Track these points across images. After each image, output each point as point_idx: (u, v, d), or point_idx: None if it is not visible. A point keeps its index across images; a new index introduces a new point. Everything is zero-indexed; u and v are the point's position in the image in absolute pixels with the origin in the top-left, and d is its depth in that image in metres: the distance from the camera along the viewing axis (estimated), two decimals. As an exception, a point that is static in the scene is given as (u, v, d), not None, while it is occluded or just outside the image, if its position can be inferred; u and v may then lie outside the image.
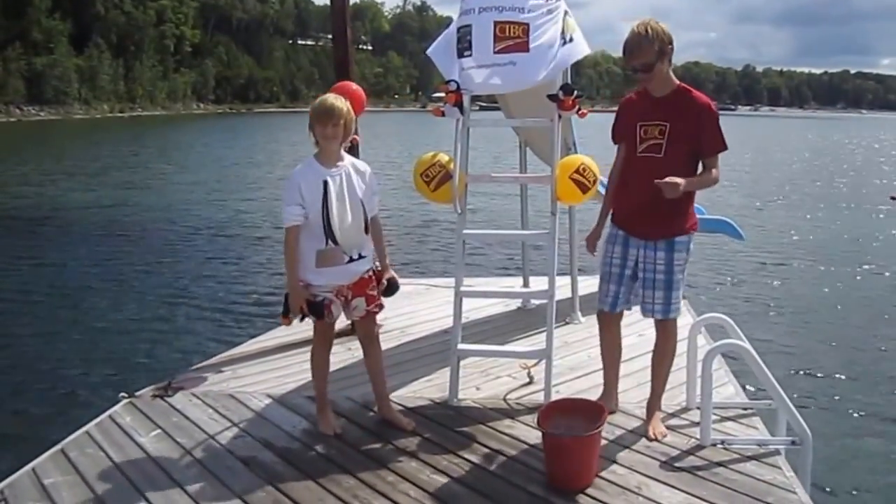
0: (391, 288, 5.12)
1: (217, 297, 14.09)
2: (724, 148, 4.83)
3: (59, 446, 4.98)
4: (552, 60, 5.54)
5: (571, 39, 5.62)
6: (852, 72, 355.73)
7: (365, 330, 5.18)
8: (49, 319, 12.47)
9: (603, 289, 5.16)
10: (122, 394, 5.80)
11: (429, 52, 6.05)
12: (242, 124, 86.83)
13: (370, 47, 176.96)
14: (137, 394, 5.81)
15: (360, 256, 4.92)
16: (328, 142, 4.76)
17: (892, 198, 29.97)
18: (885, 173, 43.97)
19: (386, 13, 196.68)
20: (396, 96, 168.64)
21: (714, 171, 4.82)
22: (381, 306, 5.12)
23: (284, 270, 4.91)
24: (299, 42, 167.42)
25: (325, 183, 4.73)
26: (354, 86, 6.29)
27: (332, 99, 4.78)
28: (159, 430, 5.20)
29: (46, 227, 21.25)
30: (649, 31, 4.71)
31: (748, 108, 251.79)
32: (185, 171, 36.55)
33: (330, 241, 4.76)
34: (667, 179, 4.59)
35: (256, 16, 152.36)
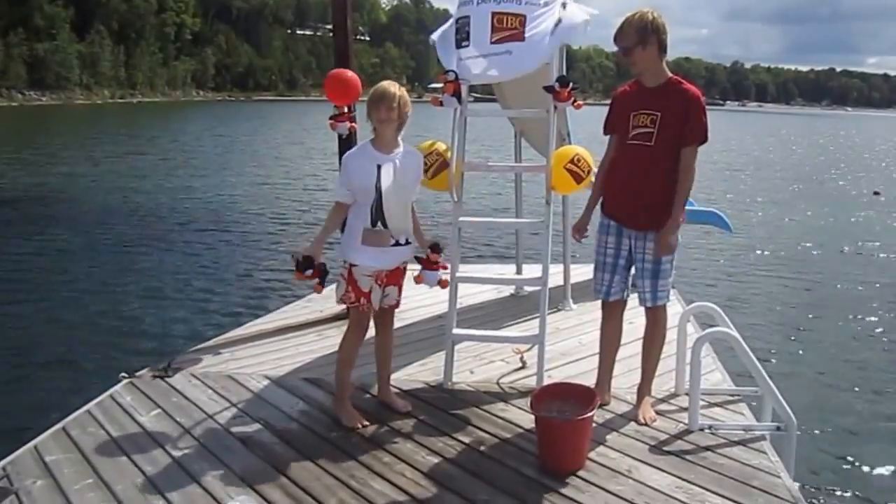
0: (437, 247, 5.20)
1: (216, 280, 14.18)
2: (705, 139, 4.88)
3: (60, 424, 5.05)
4: (548, 48, 5.61)
5: (560, 21, 5.68)
6: (838, 70, 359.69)
7: (385, 316, 5.24)
8: (51, 300, 12.51)
9: (597, 278, 5.24)
10: (123, 374, 5.87)
11: (433, 37, 6.11)
12: (241, 111, 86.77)
13: (367, 38, 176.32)
14: (138, 374, 5.89)
15: (407, 242, 5.03)
16: (384, 126, 4.85)
17: (876, 192, 30.28)
18: (869, 169, 44.16)
19: (383, 4, 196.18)
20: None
21: (690, 168, 4.89)
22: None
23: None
24: (298, 32, 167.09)
25: (379, 168, 4.82)
26: (349, 73, 6.34)
27: (386, 84, 4.89)
28: (159, 410, 5.27)
29: (47, 210, 21.26)
30: (635, 17, 4.81)
31: (736, 103, 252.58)
32: (186, 157, 36.49)
33: (379, 224, 4.85)
34: (661, 247, 4.90)
35: (256, 5, 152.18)
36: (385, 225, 4.87)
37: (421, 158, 5.22)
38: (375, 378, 5.48)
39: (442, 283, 5.30)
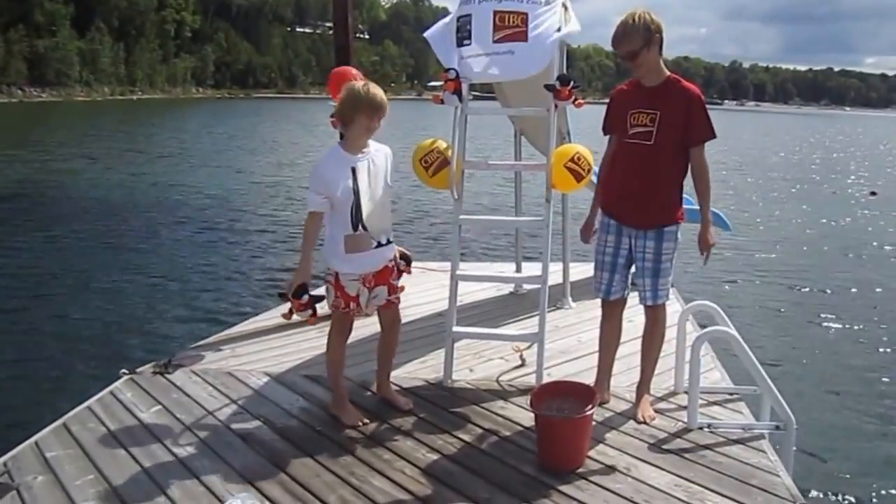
0: (408, 259, 5.20)
1: (216, 277, 14.23)
2: (713, 136, 4.92)
3: (61, 420, 5.05)
4: (550, 50, 5.62)
5: (559, 29, 5.69)
6: (836, 69, 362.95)
7: (389, 317, 5.19)
8: (51, 296, 12.56)
9: (597, 276, 5.25)
10: (124, 370, 5.87)
11: (426, 34, 6.10)
12: (240, 109, 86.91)
13: (367, 36, 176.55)
14: (138, 370, 5.90)
15: (388, 241, 4.96)
16: (369, 133, 4.81)
17: (873, 193, 30.43)
18: (866, 169, 44.30)
19: (383, 2, 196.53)
20: (392, 84, 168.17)
21: (703, 165, 4.93)
22: (399, 297, 5.16)
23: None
24: (297, 29, 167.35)
25: (354, 170, 4.74)
26: (353, 70, 6.36)
27: (381, 93, 4.79)
28: (160, 406, 5.28)
29: (46, 207, 21.25)
30: (635, 19, 4.79)
31: (734, 102, 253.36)
32: (186, 154, 36.57)
33: (360, 227, 4.77)
34: (702, 247, 4.97)
35: (256, 3, 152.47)
36: (365, 227, 4.79)
37: (390, 151, 5.06)
38: (375, 375, 5.49)
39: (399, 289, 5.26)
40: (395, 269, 5.10)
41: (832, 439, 8.05)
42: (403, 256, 5.16)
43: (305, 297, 4.75)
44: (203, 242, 17.26)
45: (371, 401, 5.38)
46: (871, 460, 7.69)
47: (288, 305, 4.84)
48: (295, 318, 4.89)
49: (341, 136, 5.70)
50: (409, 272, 5.23)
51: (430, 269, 9.00)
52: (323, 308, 4.93)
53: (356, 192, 4.72)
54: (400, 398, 5.33)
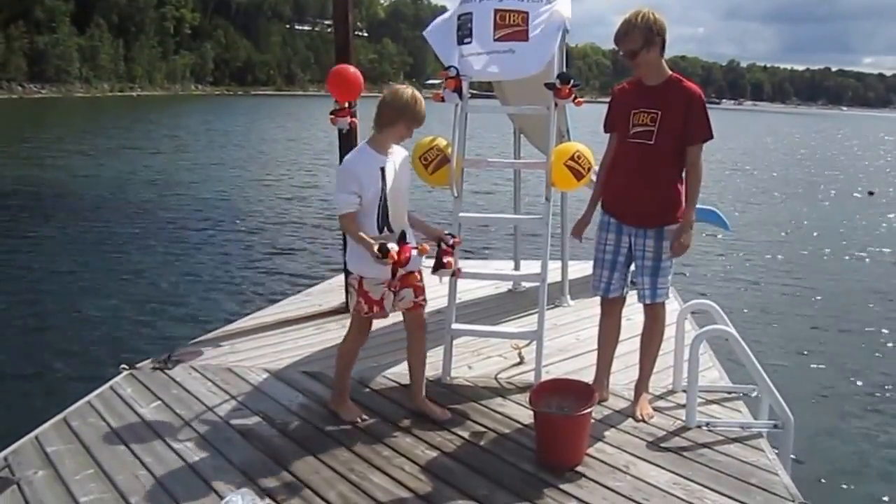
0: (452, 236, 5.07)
1: (216, 273, 14.25)
2: (711, 136, 4.92)
3: (61, 415, 5.05)
4: (550, 49, 5.62)
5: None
6: (833, 69, 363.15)
7: (413, 320, 5.10)
8: (51, 292, 12.56)
9: (596, 274, 5.25)
10: (123, 365, 5.87)
11: (425, 32, 6.10)
12: (239, 106, 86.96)
13: (366, 34, 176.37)
14: (138, 366, 5.90)
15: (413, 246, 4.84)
16: (400, 140, 4.80)
17: (871, 192, 30.50)
18: (864, 168, 44.36)
19: (381, 1, 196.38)
20: (391, 82, 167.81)
21: (697, 166, 4.91)
22: (425, 300, 5.08)
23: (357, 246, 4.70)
24: (296, 27, 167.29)
25: (382, 170, 4.67)
26: (352, 69, 6.36)
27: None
28: (159, 402, 5.28)
29: (48, 202, 21.25)
30: (638, 19, 4.80)
31: (732, 101, 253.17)
32: (186, 150, 36.61)
33: (386, 229, 4.70)
34: (675, 246, 4.92)
35: (255, 0, 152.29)
36: (391, 230, 4.72)
37: (406, 153, 5.01)
38: (375, 372, 5.47)
39: (457, 273, 5.25)
40: (420, 272, 5.00)
41: (830, 438, 8.08)
42: (442, 238, 4.99)
43: (409, 239, 4.61)
44: (203, 238, 17.26)
45: (370, 397, 5.38)
46: (869, 459, 7.71)
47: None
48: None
49: (340, 134, 5.66)
50: (460, 243, 5.09)
51: (429, 266, 8.99)
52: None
53: (384, 193, 4.67)
54: (436, 409, 5.18)
